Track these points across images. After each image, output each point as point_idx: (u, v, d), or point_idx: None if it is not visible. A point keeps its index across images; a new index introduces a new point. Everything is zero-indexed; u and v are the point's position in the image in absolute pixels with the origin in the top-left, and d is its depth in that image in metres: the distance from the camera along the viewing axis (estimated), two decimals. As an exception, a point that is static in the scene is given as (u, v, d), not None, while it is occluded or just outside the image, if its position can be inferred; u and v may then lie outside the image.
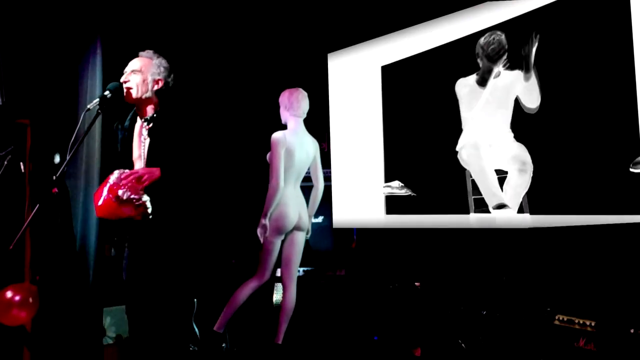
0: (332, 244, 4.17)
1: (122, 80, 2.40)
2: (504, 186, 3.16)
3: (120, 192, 2.15)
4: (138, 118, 2.46)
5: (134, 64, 2.42)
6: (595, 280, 2.71)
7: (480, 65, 3.32)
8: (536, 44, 3.01)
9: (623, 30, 2.64)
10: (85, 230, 3.29)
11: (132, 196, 2.16)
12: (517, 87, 3.12)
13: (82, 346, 3.15)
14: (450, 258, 3.43)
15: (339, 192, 4.15)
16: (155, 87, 2.41)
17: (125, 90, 2.37)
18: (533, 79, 3.03)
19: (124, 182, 2.17)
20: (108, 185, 2.18)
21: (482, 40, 3.30)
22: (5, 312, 2.52)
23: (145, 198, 2.19)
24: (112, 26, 3.53)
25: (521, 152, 3.09)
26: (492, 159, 3.25)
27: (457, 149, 3.43)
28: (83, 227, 3.30)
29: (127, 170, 2.24)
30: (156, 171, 2.27)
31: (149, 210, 2.20)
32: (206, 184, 2.45)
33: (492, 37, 3.24)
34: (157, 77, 2.41)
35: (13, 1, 3.18)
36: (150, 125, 2.40)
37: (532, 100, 3.05)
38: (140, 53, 2.47)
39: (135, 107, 2.46)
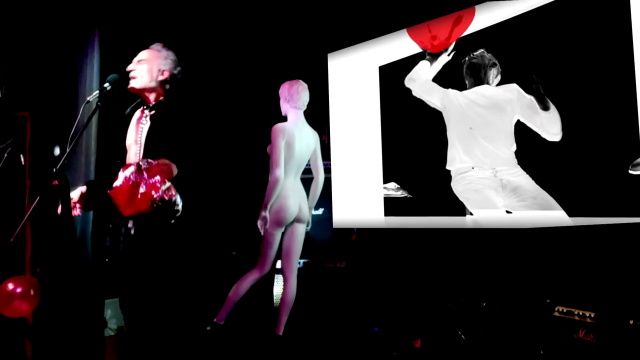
0: (332, 236, 4.17)
1: (128, 69, 2.40)
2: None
3: (154, 195, 2.03)
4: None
5: (142, 54, 2.43)
6: (595, 273, 2.71)
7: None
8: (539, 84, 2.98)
9: (623, 30, 2.62)
10: (83, 222, 3.29)
11: (163, 197, 2.05)
12: (515, 107, 3.07)
13: (83, 338, 3.17)
14: (449, 257, 3.43)
15: (338, 192, 4.15)
16: (160, 78, 2.40)
17: (130, 79, 2.37)
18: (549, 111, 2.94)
19: (150, 181, 2.06)
20: (131, 181, 2.07)
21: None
22: (6, 304, 2.53)
23: (179, 201, 2.09)
24: (110, 18, 3.52)
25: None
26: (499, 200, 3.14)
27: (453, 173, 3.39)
28: (82, 219, 3.30)
29: (143, 162, 2.13)
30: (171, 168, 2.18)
31: (179, 210, 2.10)
32: (207, 176, 2.45)
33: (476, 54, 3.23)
34: (163, 68, 2.41)
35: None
36: (153, 112, 2.39)
37: (552, 130, 2.93)
38: (151, 46, 2.47)
39: (140, 97, 2.46)
